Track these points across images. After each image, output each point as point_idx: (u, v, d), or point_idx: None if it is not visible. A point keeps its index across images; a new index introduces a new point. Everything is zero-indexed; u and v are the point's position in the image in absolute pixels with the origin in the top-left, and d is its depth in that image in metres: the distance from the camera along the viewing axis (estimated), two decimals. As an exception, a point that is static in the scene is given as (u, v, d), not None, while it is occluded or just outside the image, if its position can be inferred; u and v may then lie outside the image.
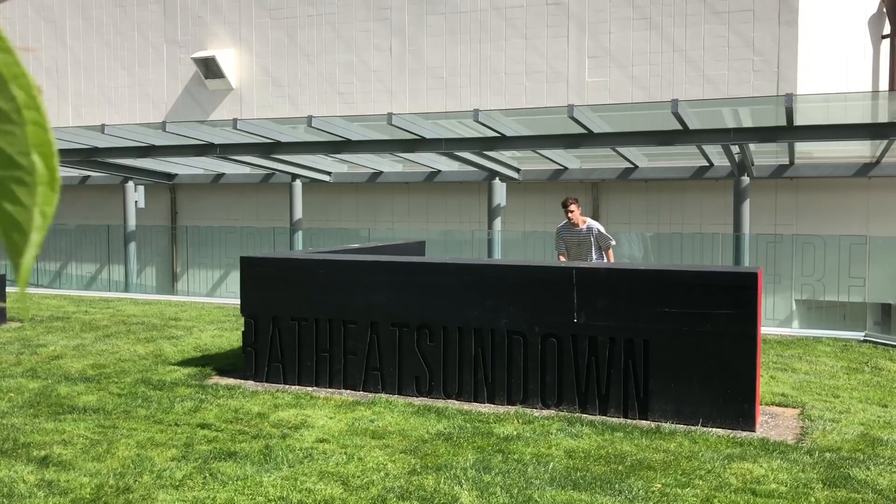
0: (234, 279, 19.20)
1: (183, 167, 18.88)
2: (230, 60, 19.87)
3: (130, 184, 18.44)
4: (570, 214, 9.39)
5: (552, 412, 5.68)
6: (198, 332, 9.24)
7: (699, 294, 5.40)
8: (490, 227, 15.26)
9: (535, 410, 5.73)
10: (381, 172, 17.59)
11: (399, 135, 12.65)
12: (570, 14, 17.10)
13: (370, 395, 6.19)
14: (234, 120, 12.70)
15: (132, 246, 18.43)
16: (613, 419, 5.52)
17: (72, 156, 15.76)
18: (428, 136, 12.65)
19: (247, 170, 18.94)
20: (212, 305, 12.08)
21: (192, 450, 4.79)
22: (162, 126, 13.32)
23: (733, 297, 5.29)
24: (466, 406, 5.87)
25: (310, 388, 6.41)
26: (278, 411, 5.68)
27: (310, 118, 12.18)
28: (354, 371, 6.38)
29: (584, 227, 9.47)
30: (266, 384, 6.58)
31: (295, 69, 19.44)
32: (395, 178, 17.79)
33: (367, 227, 17.76)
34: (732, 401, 5.30)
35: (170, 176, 19.70)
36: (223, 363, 7.32)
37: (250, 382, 6.63)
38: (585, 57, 16.98)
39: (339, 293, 6.44)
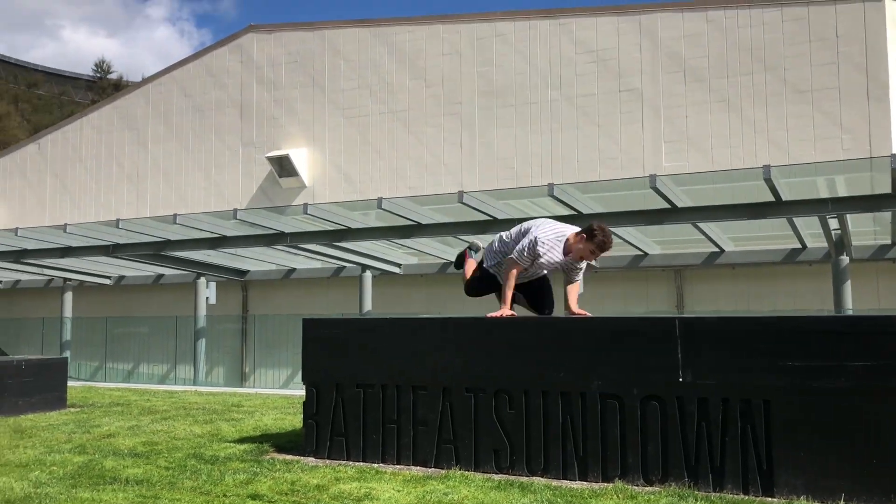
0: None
1: (254, 262, 18.83)
2: (303, 158, 20.11)
3: (202, 280, 18.43)
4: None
5: (657, 488, 4.82)
6: (259, 415, 8.67)
7: (830, 344, 4.58)
8: (567, 315, 14.48)
9: (636, 487, 4.89)
10: (451, 262, 17.14)
11: (470, 216, 12.23)
12: (644, 100, 16.76)
13: (442, 470, 5.44)
14: (305, 205, 12.51)
15: (202, 342, 18.21)
16: (732, 495, 4.64)
17: (144, 249, 15.82)
18: (500, 217, 12.18)
19: (317, 264, 18.77)
20: (278, 396, 11.53)
21: (238, 521, 4.13)
22: (233, 213, 13.24)
23: (874, 345, 4.46)
24: (555, 483, 5.07)
25: (375, 464, 5.70)
26: (339, 484, 4.98)
27: (380, 199, 11.89)
28: (425, 444, 5.66)
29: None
30: (327, 460, 5.90)
31: (366, 165, 19.51)
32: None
33: (439, 321, 17.17)
34: (882, 472, 4.37)
35: (241, 272, 19.67)
36: (283, 441, 6.69)
37: (310, 458, 5.96)
38: (662, 142, 16.50)
39: (408, 355, 5.81)
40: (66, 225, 15.14)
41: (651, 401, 5.02)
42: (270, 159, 20.11)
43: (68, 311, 20.28)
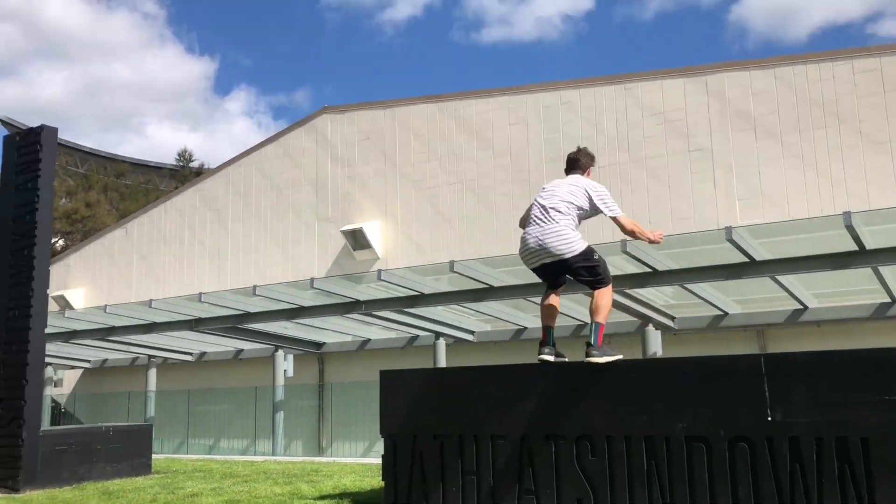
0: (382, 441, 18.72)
1: (330, 334, 19.07)
2: (376, 231, 20.51)
3: (280, 353, 18.73)
4: None
5: (751, 534, 4.60)
6: (338, 478, 8.65)
7: (928, 375, 4.37)
8: (646, 377, 14.12)
9: (728, 533, 4.67)
10: (525, 329, 17.03)
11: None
12: (715, 158, 16.64)
13: (525, 520, 5.32)
14: (379, 271, 12.73)
15: (280, 415, 18.39)
16: (833, 541, 4.38)
17: (225, 322, 16.22)
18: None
19: (392, 333, 18.89)
20: (356, 463, 11.49)
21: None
22: (310, 283, 13.53)
23: (976, 374, 4.23)
24: (641, 530, 4.89)
25: (456, 517, 5.61)
26: (420, 532, 4.92)
27: (451, 263, 12.00)
28: (506, 495, 5.55)
29: None
30: (407, 514, 5.84)
31: (437, 234, 19.76)
32: (539, 334, 17.12)
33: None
34: None
35: (318, 345, 19.94)
36: (363, 498, 6.67)
37: (390, 512, 5.91)
38: (735, 199, 16.27)
39: (484, 404, 5.77)
40: (150, 300, 15.72)
41: (739, 442, 4.83)
42: (344, 233, 20.58)
43: (152, 386, 20.82)
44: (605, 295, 5.87)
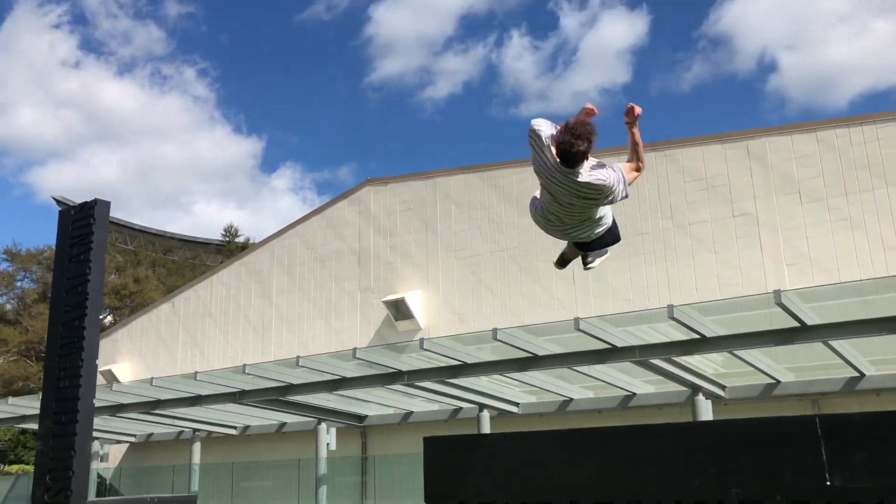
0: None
1: (373, 406, 18.94)
2: (418, 301, 20.54)
3: (323, 426, 18.63)
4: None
5: None
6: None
7: None
8: (698, 447, 13.69)
9: None
10: (571, 400, 16.73)
11: (587, 344, 12.03)
12: (760, 223, 16.46)
13: (576, 592, 5.12)
14: (421, 340, 12.69)
15: (323, 489, 18.18)
16: None
17: (268, 394, 16.25)
18: (619, 345, 11.92)
19: (434, 406, 18.69)
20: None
21: None
22: (352, 353, 13.53)
23: None
24: None
25: (503, 589, 5.43)
26: None
27: (494, 331, 11.92)
28: (555, 566, 5.37)
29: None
30: (453, 586, 5.67)
31: (479, 304, 19.71)
32: (586, 406, 16.81)
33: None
34: None
35: (360, 418, 19.80)
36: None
37: (435, 584, 5.75)
38: (783, 264, 16.01)
39: (532, 470, 5.64)
40: (196, 373, 15.84)
41: (798, 508, 4.63)
42: (387, 303, 20.65)
43: (196, 459, 20.79)
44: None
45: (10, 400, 19.73)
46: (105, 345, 28.31)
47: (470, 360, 13.49)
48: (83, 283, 9.38)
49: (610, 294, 17.72)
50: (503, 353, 13.35)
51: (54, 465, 8.86)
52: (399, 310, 20.54)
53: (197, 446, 20.94)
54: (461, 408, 18.04)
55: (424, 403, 18.49)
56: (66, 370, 9.18)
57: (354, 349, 13.67)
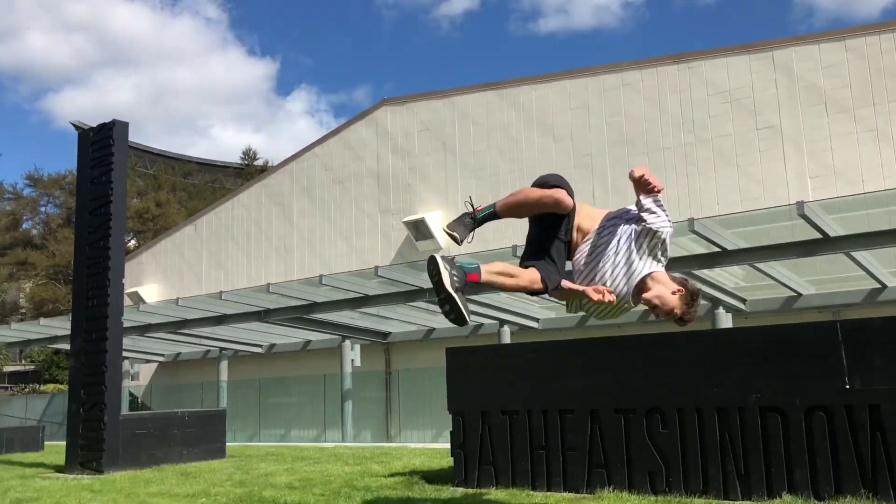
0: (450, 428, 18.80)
1: (396, 324, 19.22)
2: (438, 221, 20.57)
3: (347, 343, 18.97)
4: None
5: (831, 505, 4.47)
6: (408, 459, 8.73)
7: None
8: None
9: (807, 504, 4.55)
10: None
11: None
12: (784, 136, 16.17)
13: (596, 493, 5.27)
14: (442, 257, 12.73)
15: (349, 404, 18.64)
16: (919, 510, 4.23)
17: (292, 313, 16.49)
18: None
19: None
20: (425, 448, 11.55)
21: (392, 531, 4.16)
22: (374, 271, 13.66)
23: None
24: (716, 502, 4.79)
25: (526, 490, 5.60)
26: (490, 504, 4.93)
27: (514, 248, 11.94)
28: (576, 469, 5.52)
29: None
30: (479, 489, 5.85)
31: (499, 223, 19.65)
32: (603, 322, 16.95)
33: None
34: None
35: (384, 335, 20.12)
36: (432, 474, 6.71)
37: (459, 488, 5.93)
38: (807, 177, 15.79)
39: (552, 379, 5.74)
40: (221, 293, 16.10)
41: (816, 412, 4.70)
42: (407, 224, 20.72)
43: (224, 377, 21.35)
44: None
45: (42, 321, 20.22)
46: (131, 267, 28.76)
47: (490, 277, 13.56)
48: (105, 203, 9.46)
49: (630, 210, 17.62)
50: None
51: (88, 380, 9.14)
52: (419, 230, 20.61)
53: (224, 364, 21.46)
54: (482, 324, 18.27)
55: (446, 320, 18.72)
56: (93, 290, 9.37)
57: (376, 267, 13.80)
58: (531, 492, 5.56)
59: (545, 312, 17.43)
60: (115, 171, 9.54)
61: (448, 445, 11.47)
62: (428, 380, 18.61)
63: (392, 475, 6.88)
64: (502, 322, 16.45)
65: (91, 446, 8.88)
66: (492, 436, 5.96)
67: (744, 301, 14.71)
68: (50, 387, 30.96)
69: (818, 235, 10.56)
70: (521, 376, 5.91)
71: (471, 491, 5.69)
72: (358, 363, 19.20)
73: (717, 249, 11.32)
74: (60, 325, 20.18)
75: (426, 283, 14.40)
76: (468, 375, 6.20)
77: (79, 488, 7.00)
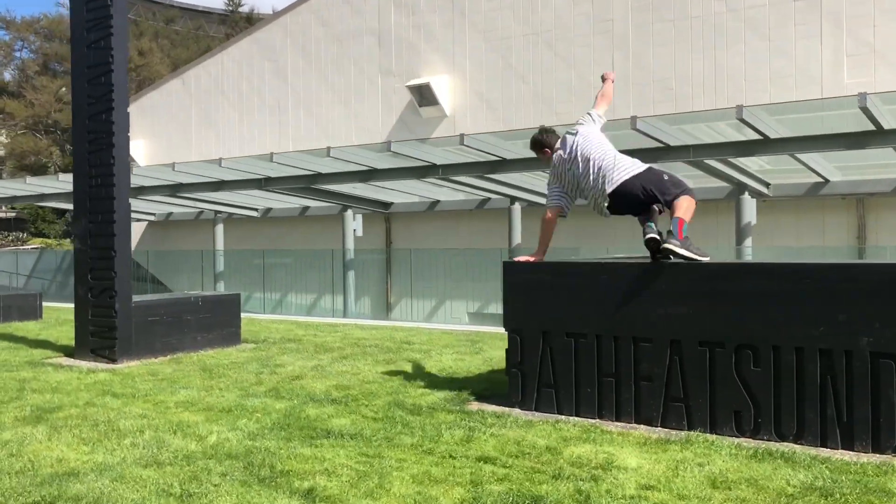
0: (453, 305, 18.67)
1: (399, 195, 18.63)
2: (444, 86, 19.55)
3: (349, 212, 18.43)
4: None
5: (950, 465, 4.12)
6: (436, 355, 8.38)
7: None
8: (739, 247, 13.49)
9: (920, 461, 4.19)
10: (606, 193, 16.31)
11: (640, 142, 11.36)
12: (823, 10, 15.11)
13: (674, 432, 4.91)
14: (461, 135, 12.00)
15: (351, 274, 18.32)
16: None
17: (296, 182, 15.83)
18: (672, 143, 11.26)
19: (461, 196, 18.38)
20: (439, 331, 11.27)
21: (482, 490, 3.76)
22: (387, 146, 12.90)
23: None
24: (813, 451, 4.44)
25: (593, 420, 5.23)
26: (570, 446, 4.54)
27: (542, 128, 11.16)
28: (649, 401, 5.13)
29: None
30: (537, 413, 5.49)
31: (509, 91, 18.75)
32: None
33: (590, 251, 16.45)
34: None
35: (386, 205, 19.56)
36: (477, 388, 6.34)
37: (517, 410, 5.57)
38: (844, 55, 14.89)
39: (629, 304, 5.25)
40: (220, 160, 15.30)
41: (940, 362, 4.26)
42: (411, 88, 19.67)
43: (220, 244, 20.87)
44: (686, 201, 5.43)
45: (29, 179, 19.39)
46: (115, 122, 27.58)
47: (510, 157, 12.89)
48: (106, 73, 8.54)
49: (651, 82, 16.74)
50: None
51: (95, 265, 8.57)
52: (423, 95, 19.60)
53: (220, 228, 20.93)
54: (490, 199, 17.73)
55: (451, 193, 18.14)
56: (97, 167, 8.62)
57: (389, 142, 13.02)
58: (600, 422, 5.19)
59: (556, 188, 16.83)
60: (116, 37, 8.55)
61: (461, 328, 11.19)
62: (429, 256, 18.28)
63: (434, 385, 6.50)
64: (513, 199, 15.89)
65: (102, 334, 8.44)
66: (554, 359, 5.53)
67: (767, 185, 14.20)
68: (37, 240, 30.39)
69: (871, 128, 9.92)
70: (592, 298, 5.40)
71: (534, 419, 5.32)
72: (360, 233, 18.75)
73: (758, 137, 10.66)
74: (48, 184, 19.39)
75: (439, 158, 13.71)
76: (529, 292, 5.70)
77: (99, 390, 6.58)
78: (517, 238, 15.94)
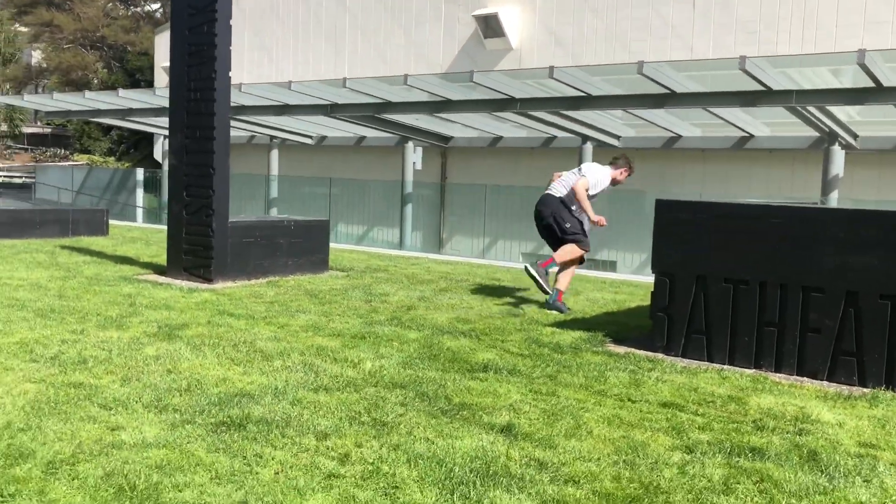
0: (506, 244, 18.44)
1: (460, 128, 18.23)
2: (512, 18, 18.92)
3: (410, 145, 18.09)
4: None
5: None
6: (537, 293, 8.17)
7: None
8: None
9: None
10: (680, 137, 15.85)
11: (740, 84, 10.88)
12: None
13: (853, 388, 4.68)
14: (551, 68, 11.56)
15: (409, 207, 18.09)
16: None
17: (362, 110, 15.48)
18: (775, 88, 10.78)
19: (523, 132, 17.94)
20: (505, 268, 11.02)
21: (688, 438, 3.56)
22: (468, 76, 12.49)
23: None
24: None
25: (750, 371, 5.02)
26: (751, 396, 4.34)
27: (641, 63, 10.73)
28: (815, 354, 4.90)
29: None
30: (686, 359, 5.28)
31: (581, 26, 18.10)
32: (692, 144, 15.99)
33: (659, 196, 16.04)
34: None
35: (446, 139, 19.18)
36: (607, 329, 6.13)
37: (663, 355, 5.36)
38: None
39: (799, 252, 4.97)
40: (290, 83, 14.95)
41: None
42: (477, 18, 19.05)
43: (275, 169, 20.66)
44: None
45: (87, 94, 19.14)
46: (165, 40, 27.10)
47: (595, 93, 12.45)
48: (209, -18, 8.19)
49: (734, 23, 16.06)
50: (630, 87, 12.29)
51: (192, 181, 8.38)
52: (489, 26, 18.98)
53: (275, 153, 20.69)
54: (556, 137, 17.30)
55: (514, 129, 17.71)
56: (196, 81, 8.35)
57: (472, 72, 12.58)
58: (757, 372, 4.98)
59: (626, 130, 16.39)
60: (220, -56, 8.17)
61: (505, 264, 10.98)
62: (485, 193, 17.98)
63: (558, 324, 6.30)
64: (585, 137, 15.46)
65: (199, 252, 8.29)
66: (708, 304, 5.29)
67: (855, 137, 13.68)
68: (83, 157, 30.31)
69: None
70: (759, 243, 5.12)
71: (692, 365, 5.11)
72: (419, 166, 18.44)
73: (870, 86, 10.16)
74: (105, 100, 19.17)
75: (521, 91, 13.29)
76: (684, 234, 5.42)
77: (214, 310, 6.44)
78: (586, 179, 15.48)
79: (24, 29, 35.72)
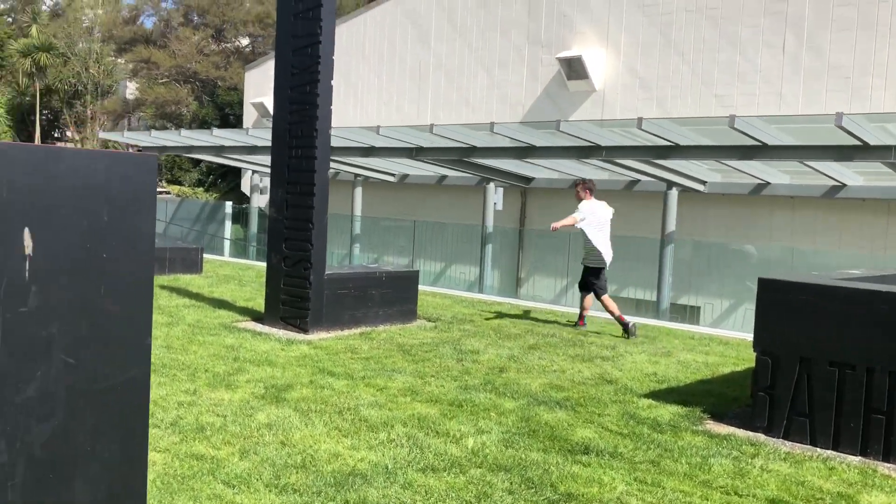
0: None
1: (542, 170, 18.31)
2: (596, 60, 18.99)
3: (492, 185, 18.27)
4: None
5: None
6: (626, 354, 8.16)
7: None
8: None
9: None
10: (767, 184, 15.58)
11: (833, 139, 10.68)
12: None
13: (966, 484, 4.55)
14: (639, 119, 11.58)
15: (489, 248, 18.22)
16: None
17: (447, 154, 15.75)
18: (872, 143, 10.55)
19: (605, 175, 17.91)
20: (601, 319, 10.99)
21: (801, 544, 3.54)
22: (556, 125, 12.60)
23: None
24: None
25: (855, 458, 4.92)
26: (862, 493, 4.26)
27: (732, 118, 10.65)
28: (927, 445, 4.78)
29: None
30: (788, 442, 5.21)
31: (666, 70, 18.04)
32: (781, 192, 15.69)
33: (746, 244, 15.77)
34: None
35: (527, 179, 19.29)
36: (703, 402, 6.09)
37: (764, 437, 5.30)
38: None
39: (911, 339, 4.88)
40: (378, 127, 15.34)
41: None
42: (560, 60, 19.19)
43: (358, 209, 21.13)
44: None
45: (183, 132, 20.02)
46: (255, 76, 28.18)
47: (683, 143, 12.39)
48: (314, 44, 8.55)
49: (825, 69, 15.76)
50: (719, 138, 12.18)
51: (291, 234, 8.70)
52: (573, 68, 19.09)
53: (359, 191, 21.17)
54: (639, 180, 17.21)
55: (595, 171, 17.69)
56: (298, 139, 8.70)
57: (558, 121, 12.71)
58: (864, 460, 4.88)
59: (712, 175, 16.20)
60: (325, 7, 8.54)
61: (602, 315, 10.90)
62: (562, 235, 17.91)
63: (654, 395, 6.29)
64: (670, 183, 15.34)
65: (295, 304, 8.58)
66: (812, 387, 5.22)
67: None
68: (174, 188, 31.58)
69: None
70: (866, 327, 5.05)
71: (793, 449, 5.04)
72: (500, 207, 18.60)
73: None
74: (199, 138, 19.98)
75: (607, 139, 13.33)
76: (788, 313, 5.38)
77: (313, 367, 6.66)
78: (671, 225, 15.41)
79: (121, 61, 37.60)
